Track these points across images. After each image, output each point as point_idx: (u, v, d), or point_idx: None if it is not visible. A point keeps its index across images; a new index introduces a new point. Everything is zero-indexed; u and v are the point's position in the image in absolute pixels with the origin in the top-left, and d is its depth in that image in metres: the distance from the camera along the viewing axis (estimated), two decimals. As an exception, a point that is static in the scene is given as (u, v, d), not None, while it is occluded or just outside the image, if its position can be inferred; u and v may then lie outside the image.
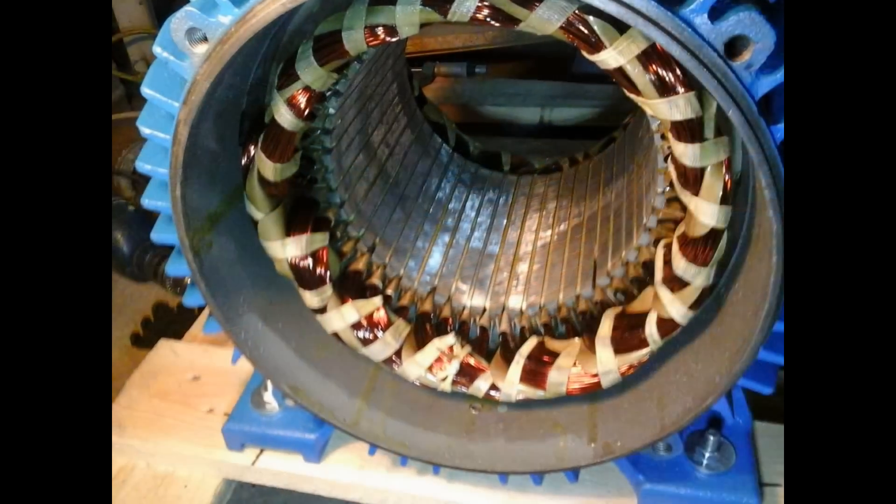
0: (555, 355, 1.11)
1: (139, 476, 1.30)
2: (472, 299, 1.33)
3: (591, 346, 1.07)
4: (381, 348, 1.14)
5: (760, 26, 0.72)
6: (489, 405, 1.19)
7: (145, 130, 0.95)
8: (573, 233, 1.37)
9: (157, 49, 0.88)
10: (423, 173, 1.51)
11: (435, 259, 1.38)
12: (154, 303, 1.99)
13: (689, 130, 0.83)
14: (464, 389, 1.15)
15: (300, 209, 1.11)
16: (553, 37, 0.83)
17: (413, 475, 1.24)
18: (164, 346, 1.53)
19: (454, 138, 1.61)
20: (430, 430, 1.18)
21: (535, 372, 1.11)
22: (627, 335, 1.03)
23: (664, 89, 0.81)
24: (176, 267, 1.08)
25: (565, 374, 1.08)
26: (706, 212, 0.88)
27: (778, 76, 0.74)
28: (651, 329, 1.00)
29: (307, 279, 1.10)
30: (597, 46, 0.80)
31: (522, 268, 1.37)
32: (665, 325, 0.99)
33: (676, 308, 0.96)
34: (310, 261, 1.10)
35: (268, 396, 1.28)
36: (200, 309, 1.36)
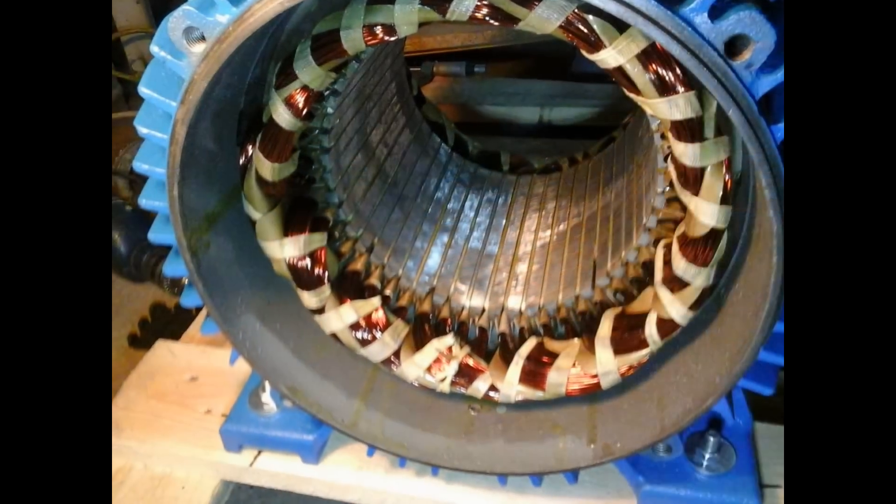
0: (554, 356, 1.11)
1: (136, 477, 1.30)
2: (470, 300, 1.33)
3: (590, 347, 1.07)
4: (380, 349, 1.14)
5: (761, 25, 0.72)
6: (488, 406, 1.19)
7: (143, 130, 0.94)
8: (572, 233, 1.37)
9: (154, 48, 0.88)
10: (422, 173, 1.51)
11: (434, 259, 1.38)
12: (151, 303, 1.99)
13: (689, 130, 0.83)
14: (463, 390, 1.15)
15: (298, 209, 1.11)
16: (552, 36, 0.82)
17: (412, 476, 1.23)
18: (162, 347, 1.52)
19: (453, 138, 1.61)
20: (428, 431, 1.18)
21: (534, 373, 1.10)
22: (627, 336, 1.03)
23: (664, 89, 0.80)
24: (173, 267, 1.08)
25: (564, 374, 1.08)
26: (706, 212, 0.88)
27: (778, 75, 0.74)
28: (651, 330, 0.99)
29: (305, 279, 1.10)
30: (596, 45, 0.80)
31: (521, 268, 1.36)
32: (665, 325, 0.98)
33: (676, 308, 0.96)
34: (308, 261, 1.09)
35: (266, 397, 1.28)
36: (198, 309, 1.35)
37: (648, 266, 1.09)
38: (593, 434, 1.11)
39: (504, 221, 1.48)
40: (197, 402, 1.38)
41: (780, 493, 1.16)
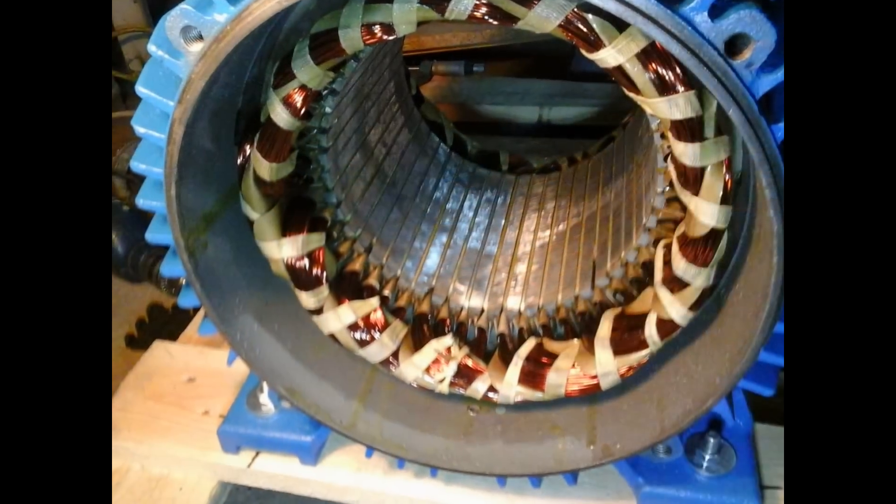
0: (553, 357, 1.10)
1: (134, 478, 1.29)
2: (469, 300, 1.33)
3: (590, 348, 1.06)
4: (378, 350, 1.14)
5: (761, 24, 0.71)
6: (487, 407, 1.18)
7: (140, 129, 0.94)
8: (572, 233, 1.37)
9: (151, 47, 0.88)
10: (421, 173, 1.50)
11: (432, 259, 1.38)
12: (149, 304, 1.99)
13: (689, 129, 0.83)
14: (461, 391, 1.14)
15: (296, 209, 1.11)
16: (552, 35, 0.82)
17: (410, 478, 1.23)
18: (159, 348, 1.52)
19: (452, 137, 1.60)
20: (427, 432, 1.18)
21: (533, 373, 1.10)
22: (627, 336, 1.03)
23: (664, 88, 0.80)
24: (171, 267, 1.07)
25: (564, 375, 1.08)
26: (706, 212, 0.88)
27: (778, 75, 0.74)
28: (651, 330, 0.99)
29: (303, 280, 1.10)
30: (596, 45, 0.80)
31: (521, 268, 1.36)
32: (665, 326, 0.98)
33: (676, 309, 0.96)
34: (306, 261, 1.09)
35: (264, 398, 1.28)
36: (195, 310, 1.36)
37: (648, 266, 1.08)
38: (593, 435, 1.11)
39: (503, 221, 1.48)
40: (194, 402, 1.38)
41: (781, 494, 1.16)
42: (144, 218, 1.08)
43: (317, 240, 1.10)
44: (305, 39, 0.93)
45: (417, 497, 1.22)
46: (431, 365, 1.14)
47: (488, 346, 1.24)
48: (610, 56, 0.80)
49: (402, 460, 1.19)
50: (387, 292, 1.26)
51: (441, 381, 1.14)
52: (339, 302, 1.12)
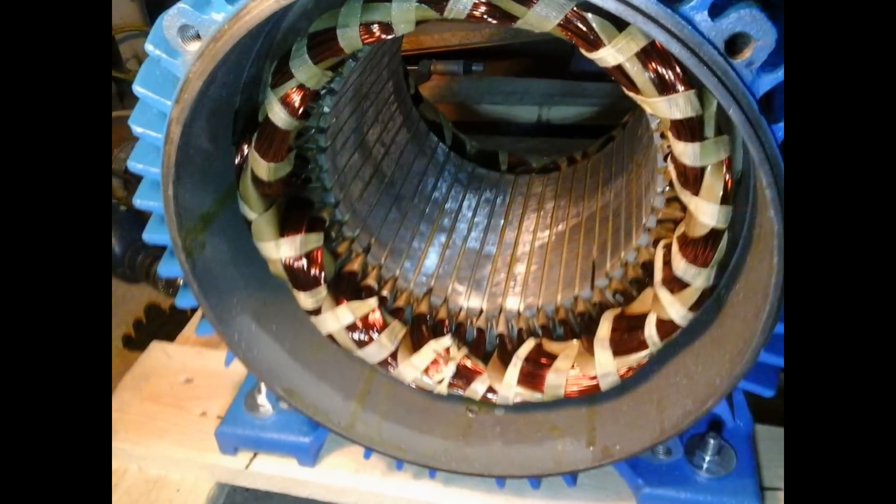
0: (553, 357, 1.10)
1: (131, 480, 1.29)
2: (468, 301, 1.33)
3: (589, 348, 1.06)
4: (377, 350, 1.14)
5: (761, 23, 0.71)
6: (486, 408, 1.18)
7: (137, 129, 0.94)
8: (571, 233, 1.36)
9: (149, 47, 0.88)
10: (420, 173, 1.50)
11: (431, 260, 1.37)
12: (146, 304, 1.99)
13: (689, 129, 0.83)
14: (460, 392, 1.14)
15: (294, 209, 1.10)
16: (551, 34, 0.82)
17: (409, 479, 1.23)
18: (157, 348, 1.52)
19: (451, 137, 1.60)
20: (426, 433, 1.17)
21: (532, 374, 1.10)
22: (626, 337, 1.03)
23: (664, 87, 0.80)
24: (168, 268, 1.07)
25: (563, 376, 1.07)
26: (706, 212, 0.87)
27: (779, 74, 0.74)
28: (650, 331, 0.99)
29: (301, 280, 1.09)
30: (595, 44, 0.79)
31: (520, 269, 1.36)
32: (665, 326, 0.98)
33: (676, 309, 0.96)
34: (304, 261, 1.09)
35: (261, 399, 1.27)
36: (193, 310, 1.35)
37: (648, 267, 1.08)
38: (592, 436, 1.10)
39: (502, 221, 1.48)
40: (192, 403, 1.37)
41: (781, 495, 1.16)
42: (142, 218, 1.08)
43: (315, 240, 1.10)
44: (303, 38, 0.93)
45: (416, 498, 1.21)
46: (430, 366, 1.14)
47: (487, 347, 1.23)
48: (609, 55, 0.79)
49: (401, 461, 1.19)
50: (385, 293, 1.25)
51: (440, 381, 1.14)
52: (338, 302, 1.12)
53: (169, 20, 0.84)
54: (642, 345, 1.01)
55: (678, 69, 0.79)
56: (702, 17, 0.72)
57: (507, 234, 1.45)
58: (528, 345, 1.13)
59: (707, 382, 0.99)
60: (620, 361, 1.03)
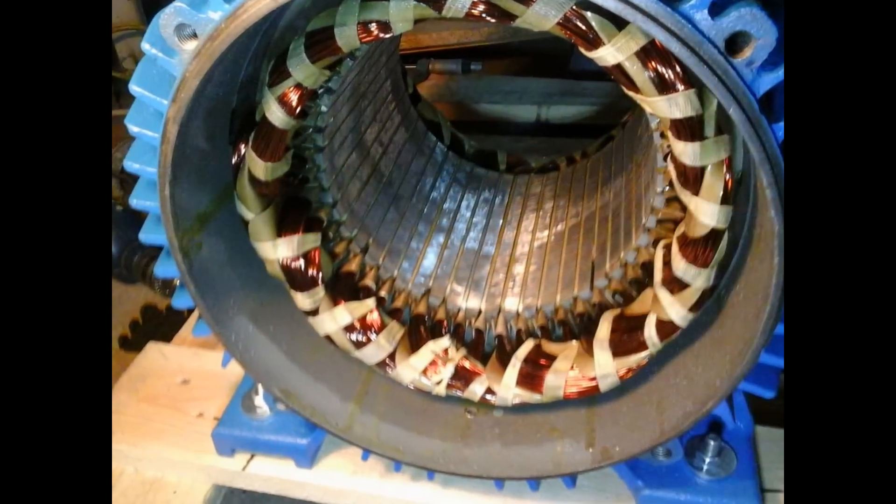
0: (552, 358, 1.10)
1: (127, 481, 1.29)
2: (467, 301, 1.32)
3: (588, 349, 1.06)
4: (375, 351, 1.13)
5: (762, 22, 0.71)
6: (485, 409, 1.18)
7: (133, 129, 0.94)
8: (570, 233, 1.36)
9: (145, 46, 0.88)
10: (418, 172, 1.50)
11: (429, 260, 1.37)
12: (142, 305, 1.99)
13: (689, 129, 0.82)
14: (459, 393, 1.14)
15: (292, 209, 1.10)
16: (550, 33, 0.81)
17: (407, 481, 1.22)
18: (153, 349, 1.52)
19: (449, 137, 1.60)
20: (424, 434, 1.17)
21: (531, 375, 1.10)
22: (626, 338, 1.02)
23: (663, 87, 0.80)
24: (165, 268, 1.07)
25: (562, 377, 1.07)
26: (706, 212, 0.87)
27: (779, 73, 0.74)
28: (650, 332, 0.99)
29: (299, 280, 1.09)
30: (595, 43, 0.79)
31: (519, 269, 1.36)
32: (664, 327, 0.98)
33: (676, 310, 0.95)
34: (301, 262, 1.08)
35: (259, 400, 1.27)
36: (190, 311, 1.35)
37: (648, 267, 1.08)
38: (592, 438, 1.10)
39: (501, 222, 1.48)
40: (189, 405, 1.37)
41: (782, 497, 1.15)
42: (138, 218, 1.08)
43: (312, 240, 1.10)
44: (301, 37, 0.92)
45: (414, 500, 1.21)
46: (428, 367, 1.14)
47: (486, 348, 1.23)
48: (609, 54, 0.79)
49: (399, 463, 1.19)
50: (383, 293, 1.25)
51: (438, 382, 1.13)
52: (335, 303, 1.12)
53: (165, 19, 0.84)
54: (642, 346, 1.00)
55: (678, 68, 0.78)
56: (702, 16, 0.72)
57: (506, 235, 1.45)
58: (527, 346, 1.13)
59: (707, 383, 0.99)
60: (620, 362, 1.02)
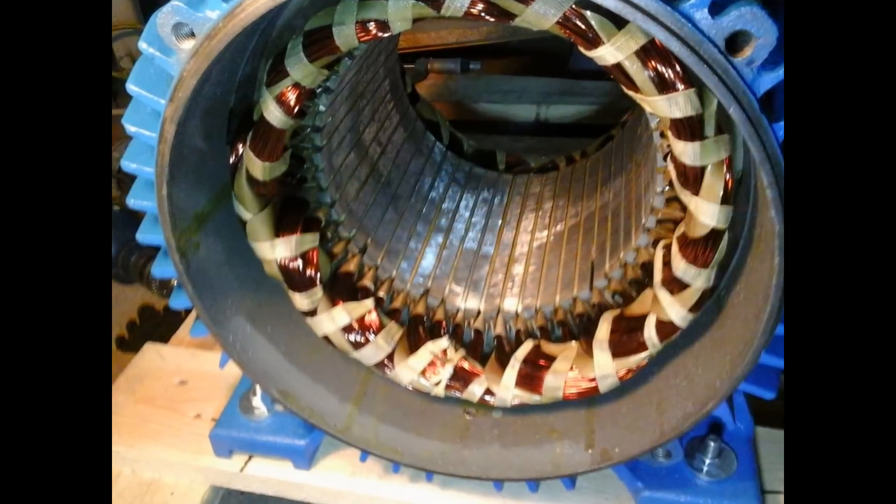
0: (551, 359, 1.10)
1: (124, 483, 1.29)
2: (466, 301, 1.32)
3: (588, 350, 1.06)
4: (373, 352, 1.13)
5: (762, 21, 0.71)
6: (484, 410, 1.18)
7: (131, 128, 0.93)
8: (570, 233, 1.36)
9: (142, 45, 0.87)
10: (416, 172, 1.50)
11: (428, 260, 1.37)
12: (140, 305, 1.98)
13: (689, 128, 0.82)
14: (458, 394, 1.13)
15: (290, 209, 1.10)
16: (549, 32, 0.81)
17: (406, 482, 1.22)
18: (150, 350, 1.51)
19: (448, 136, 1.60)
20: (423, 435, 1.17)
21: (530, 376, 1.09)
22: (626, 338, 1.02)
23: (663, 86, 0.79)
24: (162, 268, 1.06)
25: (562, 378, 1.07)
26: (706, 212, 0.87)
27: (780, 73, 0.74)
28: (650, 332, 0.98)
29: (297, 281, 1.09)
30: (594, 42, 0.79)
31: (518, 269, 1.35)
32: (664, 328, 0.97)
33: (676, 311, 0.95)
34: (299, 262, 1.08)
35: (256, 401, 1.27)
36: (187, 311, 1.35)
37: (647, 267, 1.08)
38: (591, 439, 1.10)
39: (500, 222, 1.47)
40: (186, 406, 1.37)
41: (782, 499, 1.15)
42: (135, 218, 1.07)
43: (310, 240, 1.09)
44: (299, 36, 0.92)
45: (413, 502, 1.21)
46: (427, 367, 1.13)
47: (485, 349, 1.23)
48: (608, 53, 0.79)
49: (398, 465, 1.18)
50: (382, 294, 1.25)
51: (437, 383, 1.13)
52: (334, 303, 1.11)
53: (163, 18, 0.83)
54: (642, 346, 1.00)
55: (678, 67, 0.78)
56: (702, 15, 0.72)
57: (505, 235, 1.45)
58: (527, 346, 1.12)
59: (707, 384, 0.99)
60: (619, 363, 1.02)
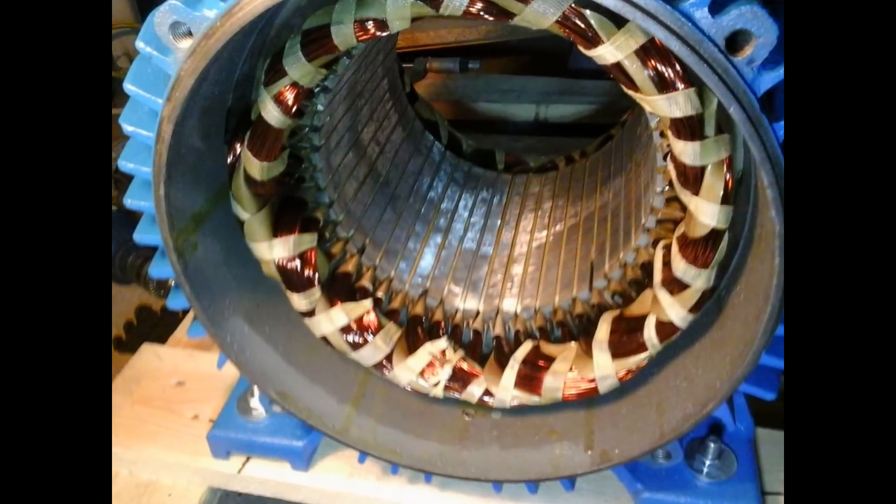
0: (550, 360, 1.09)
1: (122, 484, 1.28)
2: (465, 302, 1.32)
3: (587, 351, 1.05)
4: (372, 352, 1.12)
5: (762, 20, 0.71)
6: (483, 411, 1.17)
7: (128, 128, 0.93)
8: (569, 233, 1.36)
9: (140, 44, 0.87)
10: (415, 172, 1.49)
11: (427, 260, 1.37)
12: (137, 305, 1.98)
13: (688, 128, 0.82)
14: (457, 395, 1.13)
15: (288, 209, 1.10)
16: (549, 31, 0.81)
17: (404, 484, 1.22)
18: (148, 351, 1.51)
19: (447, 136, 1.59)
20: (421, 437, 1.17)
21: (530, 377, 1.09)
22: (625, 339, 1.02)
23: (663, 85, 0.79)
24: (159, 268, 1.06)
25: (561, 379, 1.07)
26: (706, 212, 0.87)
27: (780, 72, 0.73)
28: (650, 333, 0.98)
29: (295, 281, 1.08)
30: (594, 41, 0.79)
31: (517, 270, 1.35)
32: (664, 328, 0.97)
33: (676, 311, 0.95)
34: (298, 262, 1.08)
35: (254, 402, 1.27)
36: (185, 312, 1.34)
37: (647, 267, 1.07)
38: (591, 440, 1.10)
39: (499, 222, 1.47)
40: (184, 407, 1.37)
41: (782, 500, 1.15)
42: (133, 218, 1.07)
43: (309, 240, 1.09)
44: (297, 36, 0.92)
45: (411, 503, 1.20)
46: (426, 368, 1.13)
47: (484, 349, 1.23)
48: (608, 53, 0.78)
49: (396, 466, 1.18)
50: (380, 294, 1.25)
51: (436, 384, 1.13)
52: (332, 304, 1.11)
53: (160, 17, 0.83)
54: (641, 347, 1.00)
55: (678, 67, 0.78)
56: (702, 14, 0.72)
57: (504, 235, 1.44)
58: (526, 347, 1.12)
59: (707, 385, 0.98)
60: (619, 364, 1.02)
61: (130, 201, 1.00)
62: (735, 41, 0.73)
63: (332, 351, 1.15)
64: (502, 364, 1.11)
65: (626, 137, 1.43)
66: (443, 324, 1.26)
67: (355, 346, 1.12)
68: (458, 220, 1.46)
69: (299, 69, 0.92)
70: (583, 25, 0.78)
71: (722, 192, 0.85)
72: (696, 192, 0.86)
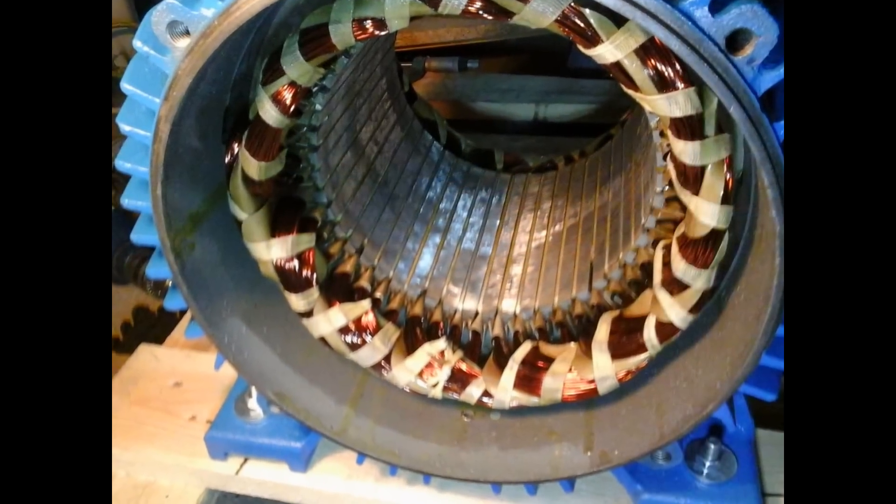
0: (550, 361, 1.09)
1: (119, 486, 1.28)
2: (463, 302, 1.32)
3: (587, 351, 1.05)
4: (370, 353, 1.12)
5: (763, 19, 0.71)
6: (482, 412, 1.17)
7: (125, 127, 0.93)
8: (569, 234, 1.35)
9: (137, 43, 0.87)
10: (413, 172, 1.49)
11: (425, 261, 1.36)
12: (134, 306, 1.98)
13: (688, 127, 0.82)
14: (455, 396, 1.13)
15: (286, 209, 1.09)
16: (548, 30, 0.81)
17: (403, 485, 1.22)
18: (145, 351, 1.51)
19: (445, 136, 1.59)
20: (420, 438, 1.16)
21: (529, 378, 1.09)
22: (625, 340, 1.02)
23: (663, 85, 0.79)
24: (157, 269, 1.06)
25: (560, 379, 1.06)
26: (707, 212, 0.86)
27: (780, 71, 0.73)
28: (649, 333, 0.98)
29: (293, 282, 1.08)
30: (593, 40, 0.79)
31: (516, 270, 1.35)
32: (664, 329, 0.97)
33: (676, 312, 0.95)
34: (296, 263, 1.08)
35: (252, 403, 1.26)
36: (182, 312, 1.34)
37: (647, 268, 1.07)
38: (590, 441, 1.09)
39: (498, 222, 1.47)
40: (181, 408, 1.36)
41: (783, 501, 1.15)
42: (130, 218, 1.07)
43: (307, 240, 1.09)
44: (295, 35, 0.92)
45: (410, 504, 1.20)
46: (424, 369, 1.13)
47: (483, 350, 1.22)
48: (608, 52, 0.78)
49: (395, 467, 1.18)
50: (378, 294, 1.24)
51: (434, 385, 1.12)
52: (330, 304, 1.11)
53: (158, 16, 0.83)
54: (641, 348, 1.00)
55: (678, 66, 0.78)
56: (702, 13, 0.72)
57: (503, 235, 1.44)
58: (525, 348, 1.12)
59: (707, 386, 0.98)
60: (619, 365, 1.02)
61: (128, 201, 1.00)
62: (735, 40, 0.73)
63: (330, 352, 1.14)
64: (501, 365, 1.11)
65: (626, 137, 1.43)
66: (441, 324, 1.26)
67: (353, 347, 1.12)
68: (456, 220, 1.46)
69: (297, 68, 0.92)
70: (582, 24, 0.77)
71: (722, 192, 0.85)
72: (696, 192, 0.86)
